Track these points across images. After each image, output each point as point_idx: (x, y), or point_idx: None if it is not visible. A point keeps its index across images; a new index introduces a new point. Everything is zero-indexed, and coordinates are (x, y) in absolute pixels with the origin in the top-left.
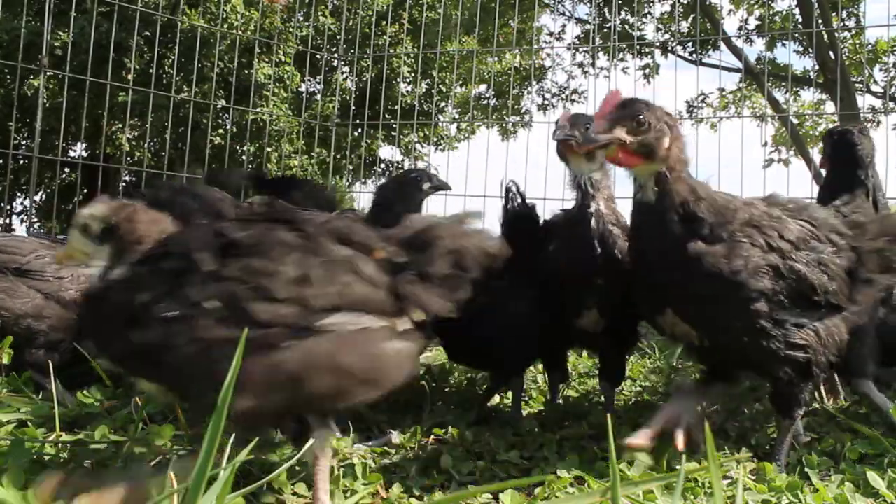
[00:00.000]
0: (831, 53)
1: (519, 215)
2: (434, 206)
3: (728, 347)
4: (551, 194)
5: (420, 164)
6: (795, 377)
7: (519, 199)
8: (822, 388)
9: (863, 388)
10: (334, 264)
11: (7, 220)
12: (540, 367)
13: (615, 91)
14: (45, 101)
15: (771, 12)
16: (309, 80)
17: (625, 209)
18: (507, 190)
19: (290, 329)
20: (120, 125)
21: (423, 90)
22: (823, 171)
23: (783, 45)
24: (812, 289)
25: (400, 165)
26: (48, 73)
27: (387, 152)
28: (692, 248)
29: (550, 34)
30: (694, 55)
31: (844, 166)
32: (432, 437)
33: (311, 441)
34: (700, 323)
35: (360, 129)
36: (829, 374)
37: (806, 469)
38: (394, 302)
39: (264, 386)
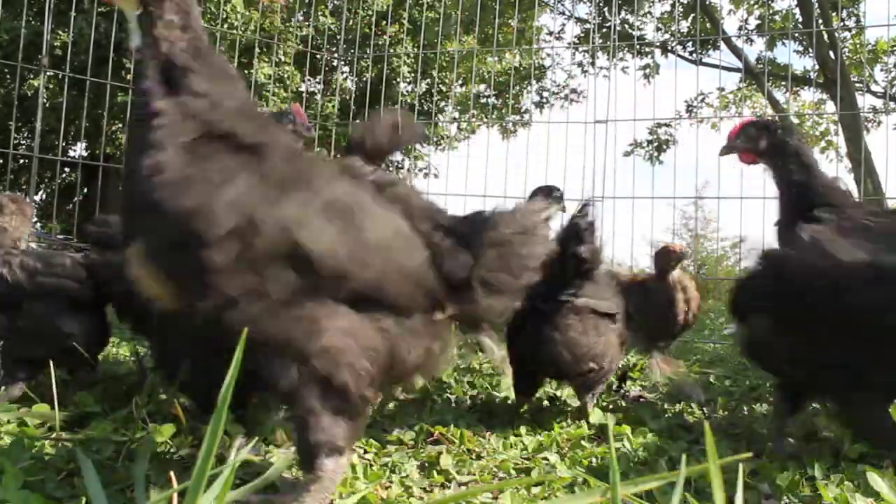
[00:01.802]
0: (831, 53)
1: None
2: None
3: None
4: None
5: (420, 164)
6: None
7: None
8: None
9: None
10: None
11: None
12: None
13: None
14: (45, 101)
15: (771, 12)
16: (309, 80)
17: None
18: None
19: None
20: (120, 125)
21: (423, 90)
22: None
23: (783, 44)
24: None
25: (400, 165)
26: (48, 73)
27: None
28: (157, 107)
29: (550, 33)
30: (694, 55)
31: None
32: (432, 437)
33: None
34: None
35: None
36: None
37: (806, 469)
38: None
39: None
